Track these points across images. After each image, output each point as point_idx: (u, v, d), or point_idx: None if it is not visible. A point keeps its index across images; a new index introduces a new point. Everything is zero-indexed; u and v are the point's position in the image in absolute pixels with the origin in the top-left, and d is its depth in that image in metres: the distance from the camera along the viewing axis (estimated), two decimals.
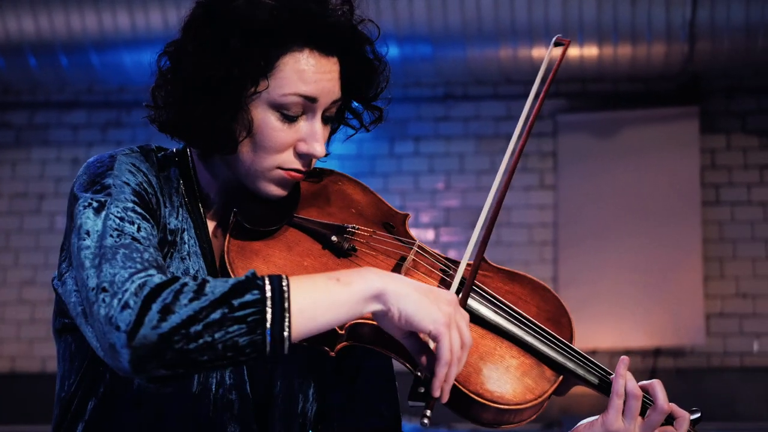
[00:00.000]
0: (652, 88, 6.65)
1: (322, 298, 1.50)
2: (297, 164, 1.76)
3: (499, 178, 1.81)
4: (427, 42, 5.84)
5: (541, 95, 1.88)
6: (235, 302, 1.45)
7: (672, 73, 6.21)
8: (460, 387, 1.66)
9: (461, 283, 1.72)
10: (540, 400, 1.72)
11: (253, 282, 1.47)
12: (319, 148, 1.75)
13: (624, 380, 1.75)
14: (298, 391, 1.84)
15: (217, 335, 1.43)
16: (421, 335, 1.59)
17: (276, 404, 1.80)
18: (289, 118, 1.73)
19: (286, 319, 1.46)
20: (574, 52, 5.85)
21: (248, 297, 1.45)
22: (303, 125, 1.75)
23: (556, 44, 1.96)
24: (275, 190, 1.78)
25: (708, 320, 6.38)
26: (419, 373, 1.61)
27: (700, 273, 6.37)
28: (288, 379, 1.81)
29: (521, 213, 6.58)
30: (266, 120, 1.72)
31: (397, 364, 1.81)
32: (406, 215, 1.91)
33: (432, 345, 1.58)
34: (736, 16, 5.64)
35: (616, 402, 1.74)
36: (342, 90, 1.80)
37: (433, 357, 1.57)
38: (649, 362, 6.29)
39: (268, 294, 1.46)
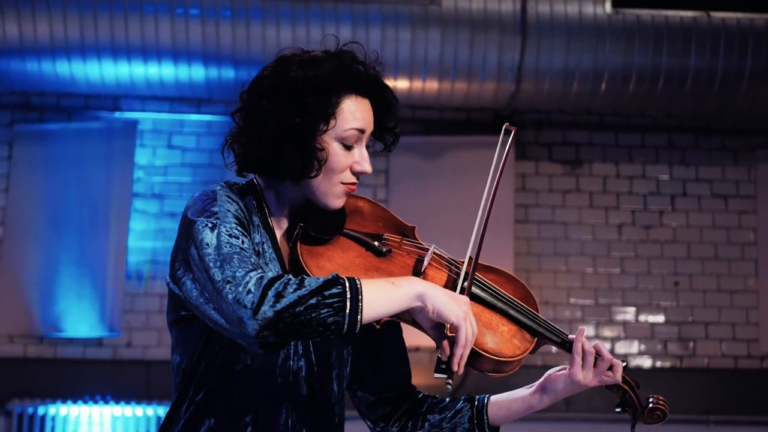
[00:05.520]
0: (472, 117, 7.38)
1: (382, 296, 2.06)
2: (353, 179, 2.31)
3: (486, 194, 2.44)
4: None
5: (499, 173, 2.48)
6: (326, 293, 2.00)
7: (499, 107, 6.99)
8: (473, 347, 2.24)
9: (465, 278, 2.33)
10: (524, 355, 2.34)
11: (337, 280, 2.04)
12: (368, 167, 2.31)
13: (581, 344, 2.39)
14: (346, 358, 2.41)
15: (313, 314, 1.98)
16: (446, 325, 2.13)
17: (333, 368, 2.36)
18: (348, 147, 2.28)
19: (359, 308, 2.01)
20: (417, 84, 6.58)
21: (334, 290, 2.01)
22: (355, 151, 2.29)
23: (506, 131, 2.54)
24: (338, 201, 2.32)
25: None
26: (440, 354, 2.14)
27: None
28: (340, 349, 2.38)
29: None
30: (335, 149, 2.26)
31: (408, 340, 2.50)
32: (414, 227, 2.49)
33: (449, 333, 2.11)
34: (556, 63, 6.46)
35: (577, 359, 2.38)
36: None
37: (451, 341, 2.12)
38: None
39: (348, 290, 2.03)
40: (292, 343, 2.28)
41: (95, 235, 6.99)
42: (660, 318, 7.38)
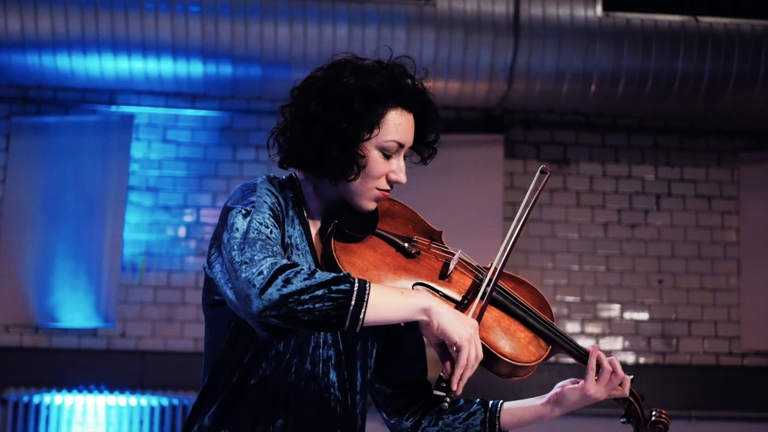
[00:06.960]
0: (462, 116, 7.47)
1: (389, 302, 2.14)
2: (387, 186, 2.42)
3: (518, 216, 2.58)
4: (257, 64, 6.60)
5: (529, 209, 2.63)
6: (333, 287, 2.10)
7: (489, 106, 7.10)
8: (491, 350, 2.37)
9: (488, 284, 2.41)
10: (538, 361, 2.45)
11: (347, 278, 2.13)
12: (403, 177, 2.42)
13: (594, 361, 2.50)
14: (370, 350, 2.51)
15: (317, 305, 2.08)
16: (449, 345, 2.18)
17: (358, 358, 2.47)
18: (387, 156, 2.39)
19: (363, 308, 2.09)
20: None
21: (342, 286, 2.11)
22: (393, 161, 2.40)
23: (542, 172, 2.65)
24: (371, 205, 2.43)
25: None
26: (442, 372, 2.20)
27: None
28: (365, 342, 2.48)
29: None
30: (374, 156, 2.37)
31: None
32: (441, 231, 2.58)
33: (454, 353, 2.17)
34: (548, 65, 6.59)
35: (591, 374, 2.49)
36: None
37: (453, 362, 2.18)
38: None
39: (356, 289, 2.12)
40: (322, 333, 2.37)
41: (91, 227, 7.07)
42: (644, 315, 7.51)
